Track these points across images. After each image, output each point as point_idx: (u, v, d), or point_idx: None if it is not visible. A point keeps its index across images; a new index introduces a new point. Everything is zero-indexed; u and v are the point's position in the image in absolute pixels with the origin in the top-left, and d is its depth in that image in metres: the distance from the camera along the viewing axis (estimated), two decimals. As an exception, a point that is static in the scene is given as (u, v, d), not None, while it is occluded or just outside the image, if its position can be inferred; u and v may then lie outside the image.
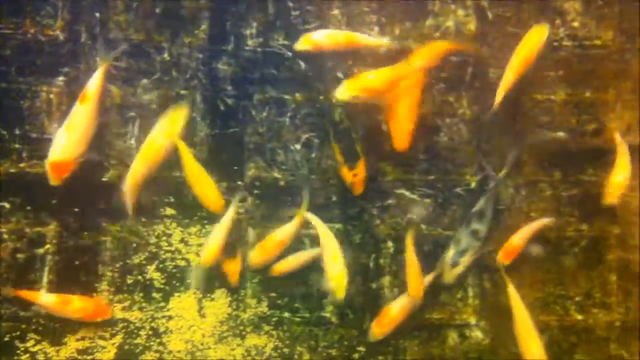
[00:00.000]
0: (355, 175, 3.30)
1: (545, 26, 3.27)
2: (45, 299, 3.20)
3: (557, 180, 3.44)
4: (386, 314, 3.27)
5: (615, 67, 3.44)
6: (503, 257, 3.28)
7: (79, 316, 3.26)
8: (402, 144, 3.27)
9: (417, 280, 3.23)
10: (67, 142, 3.11)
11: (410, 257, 3.24)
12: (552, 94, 3.49)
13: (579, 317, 3.38)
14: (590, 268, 3.39)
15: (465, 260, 3.31)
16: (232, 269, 3.34)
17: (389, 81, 3.20)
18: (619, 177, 3.21)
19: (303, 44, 3.30)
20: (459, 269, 3.32)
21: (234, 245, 3.39)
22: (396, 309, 3.27)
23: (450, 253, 3.33)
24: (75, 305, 3.23)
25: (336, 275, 3.17)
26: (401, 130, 3.26)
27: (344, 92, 3.17)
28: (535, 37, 3.26)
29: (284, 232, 3.30)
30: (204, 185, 3.29)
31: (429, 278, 3.31)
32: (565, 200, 3.41)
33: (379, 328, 3.26)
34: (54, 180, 3.13)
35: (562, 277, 3.38)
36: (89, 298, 3.30)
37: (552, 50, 3.49)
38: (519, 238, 3.29)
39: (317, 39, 3.31)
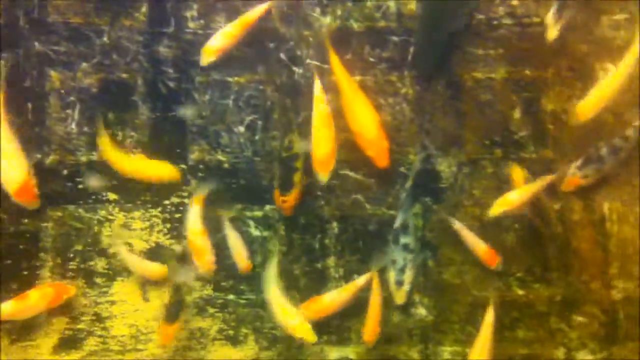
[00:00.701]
0: (284, 202, 3.33)
1: None
2: (5, 309, 3.14)
3: (498, 158, 3.47)
4: (316, 301, 3.29)
5: (554, 45, 3.47)
6: None
7: (44, 307, 3.21)
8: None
9: (374, 327, 3.31)
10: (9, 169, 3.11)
11: (374, 302, 3.30)
12: (493, 73, 3.52)
13: (520, 292, 3.41)
14: (531, 244, 3.42)
15: (408, 276, 3.35)
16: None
17: None
18: (512, 194, 3.24)
19: (207, 57, 3.36)
20: (406, 287, 3.36)
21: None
22: (327, 300, 3.30)
23: (392, 275, 3.36)
24: (33, 299, 3.18)
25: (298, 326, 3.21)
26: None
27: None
28: None
29: None
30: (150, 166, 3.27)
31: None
32: (506, 177, 3.43)
33: (307, 312, 3.28)
34: (32, 204, 3.20)
35: (504, 253, 3.40)
36: (44, 285, 3.26)
37: (492, 29, 3.51)
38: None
39: (216, 44, 3.33)
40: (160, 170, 3.37)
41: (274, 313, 3.27)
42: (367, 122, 3.31)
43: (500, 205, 3.22)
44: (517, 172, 3.37)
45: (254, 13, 3.41)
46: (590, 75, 3.49)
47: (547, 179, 3.23)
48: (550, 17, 3.35)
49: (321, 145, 3.27)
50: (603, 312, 3.40)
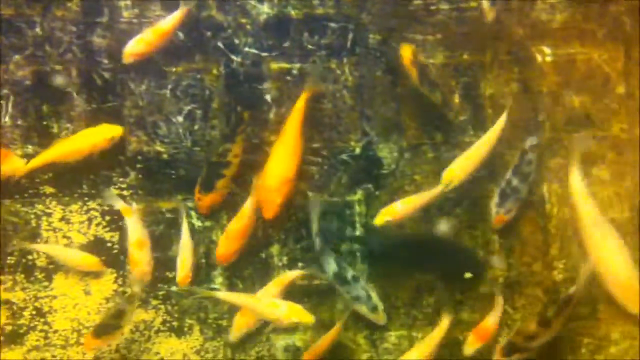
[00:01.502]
0: (199, 200, 3.34)
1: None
2: None
3: (439, 143, 3.49)
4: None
5: (491, 29, 3.50)
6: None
7: None
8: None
9: None
10: None
11: None
12: (431, 58, 3.53)
13: (466, 275, 3.44)
14: (473, 227, 3.45)
15: (375, 297, 3.39)
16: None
17: None
18: (398, 205, 3.26)
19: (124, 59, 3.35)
20: (380, 306, 3.39)
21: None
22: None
23: (363, 308, 3.37)
24: None
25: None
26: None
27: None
28: None
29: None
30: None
31: None
32: (447, 162, 3.45)
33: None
34: None
35: (446, 238, 3.43)
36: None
37: (430, 15, 3.53)
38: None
39: (131, 50, 3.35)
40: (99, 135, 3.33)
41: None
42: (276, 171, 3.32)
43: (385, 215, 3.23)
44: (406, 50, 3.35)
45: (170, 22, 3.39)
46: (527, 58, 3.50)
47: (436, 191, 3.24)
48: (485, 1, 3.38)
49: (227, 245, 3.35)
50: (545, 293, 3.43)
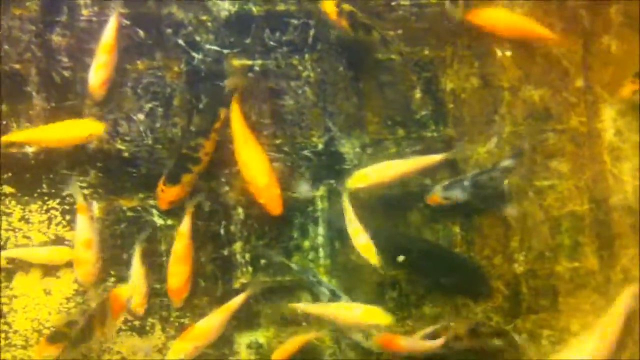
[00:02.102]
0: (162, 191, 3.32)
1: None
2: None
3: (400, 137, 3.51)
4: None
5: (451, 24, 3.53)
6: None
7: None
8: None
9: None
10: None
11: None
12: (393, 54, 3.54)
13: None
14: (435, 221, 3.47)
15: None
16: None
17: None
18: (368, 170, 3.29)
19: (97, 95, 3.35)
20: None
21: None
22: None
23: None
24: None
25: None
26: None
27: None
28: None
29: None
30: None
31: None
32: (409, 156, 3.47)
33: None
34: None
35: (409, 231, 3.45)
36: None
37: (391, 10, 3.55)
38: None
39: (96, 81, 3.34)
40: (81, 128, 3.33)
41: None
42: (257, 171, 3.31)
43: (357, 181, 3.27)
44: (328, 6, 3.35)
45: (111, 33, 3.38)
46: (487, 53, 3.53)
47: (422, 160, 3.29)
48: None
49: (175, 279, 3.33)
50: (506, 286, 3.46)
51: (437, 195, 3.35)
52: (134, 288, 3.32)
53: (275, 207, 3.31)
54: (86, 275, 3.29)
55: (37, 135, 3.31)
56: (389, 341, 3.13)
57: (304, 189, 3.42)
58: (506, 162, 3.34)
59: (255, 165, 3.31)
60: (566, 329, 3.42)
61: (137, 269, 3.34)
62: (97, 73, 3.33)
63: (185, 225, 3.31)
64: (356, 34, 3.32)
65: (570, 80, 3.51)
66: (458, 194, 3.33)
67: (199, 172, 3.36)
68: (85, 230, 3.28)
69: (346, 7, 3.33)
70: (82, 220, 3.29)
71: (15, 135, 3.31)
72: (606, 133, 3.51)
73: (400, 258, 3.38)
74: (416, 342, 3.17)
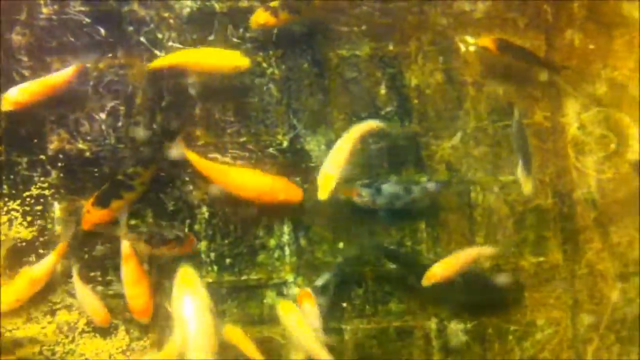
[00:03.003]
0: (87, 212, 3.28)
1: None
2: None
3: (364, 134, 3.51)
4: None
5: (415, 20, 3.54)
6: None
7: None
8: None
9: None
10: None
11: None
12: (357, 49, 3.56)
13: (393, 266, 3.47)
14: (401, 218, 3.48)
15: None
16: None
17: None
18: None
19: (5, 105, 3.26)
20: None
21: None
22: None
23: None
24: None
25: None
26: None
27: None
28: None
29: None
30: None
31: None
32: (375, 152, 3.48)
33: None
34: None
35: (375, 228, 3.45)
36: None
37: (354, 6, 3.55)
38: None
39: (13, 97, 3.26)
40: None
41: None
42: (254, 184, 3.33)
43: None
44: (260, 16, 3.35)
45: (61, 77, 3.33)
46: (451, 49, 3.55)
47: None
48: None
49: (135, 301, 3.29)
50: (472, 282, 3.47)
51: (354, 189, 3.33)
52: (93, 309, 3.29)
53: (295, 195, 3.33)
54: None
55: (185, 59, 3.32)
56: None
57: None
58: (430, 185, 3.35)
59: (251, 178, 3.33)
60: (532, 323, 3.44)
61: (78, 287, 3.31)
62: (19, 93, 3.28)
63: (125, 248, 3.27)
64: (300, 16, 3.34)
65: (534, 75, 3.53)
66: (371, 196, 3.32)
67: (129, 201, 3.33)
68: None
69: (274, 4, 3.35)
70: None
71: (164, 60, 3.34)
72: (570, 127, 3.54)
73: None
74: None
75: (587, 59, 3.54)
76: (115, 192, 3.26)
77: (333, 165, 3.10)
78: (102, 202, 3.25)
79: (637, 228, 3.47)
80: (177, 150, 3.32)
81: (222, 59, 3.33)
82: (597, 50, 3.54)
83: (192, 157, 3.32)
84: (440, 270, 3.13)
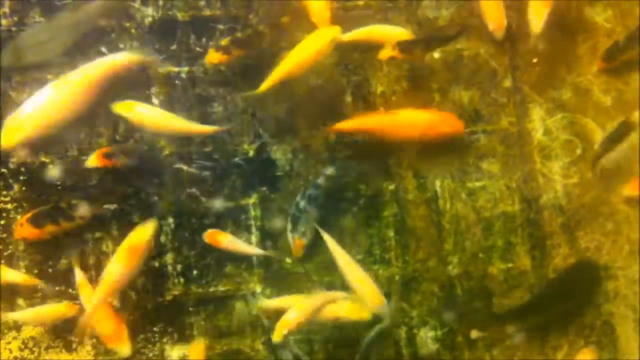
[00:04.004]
0: (21, 225, 3.26)
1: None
2: None
3: (332, 142, 3.52)
4: None
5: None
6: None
7: None
8: None
9: None
10: None
11: None
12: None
13: (361, 274, 3.46)
14: (369, 226, 3.49)
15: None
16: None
17: None
18: None
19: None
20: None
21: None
22: None
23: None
24: None
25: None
26: None
27: None
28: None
29: None
30: None
31: None
32: (341, 161, 3.48)
33: None
34: None
35: (343, 237, 3.45)
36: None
37: (319, 14, 3.54)
38: None
39: None
40: None
41: None
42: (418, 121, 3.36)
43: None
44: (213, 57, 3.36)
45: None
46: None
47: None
48: None
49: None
50: (441, 289, 3.48)
51: (298, 240, 3.42)
52: None
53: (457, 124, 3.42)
54: None
55: (286, 68, 3.28)
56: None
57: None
58: (327, 170, 3.41)
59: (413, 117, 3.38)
60: (500, 330, 3.45)
61: None
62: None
63: (78, 276, 3.28)
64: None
65: (499, 81, 3.55)
66: (306, 221, 3.40)
67: (65, 229, 3.31)
68: None
69: (224, 42, 3.38)
70: None
71: (271, 80, 3.29)
72: (536, 133, 3.56)
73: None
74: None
75: (552, 64, 3.56)
76: (54, 217, 3.24)
77: (296, 313, 3.08)
78: (37, 222, 3.23)
79: (604, 233, 3.49)
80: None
81: (316, 42, 3.30)
82: (561, 55, 3.56)
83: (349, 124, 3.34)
84: (294, 317, 3.07)
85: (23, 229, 3.26)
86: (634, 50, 3.42)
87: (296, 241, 3.41)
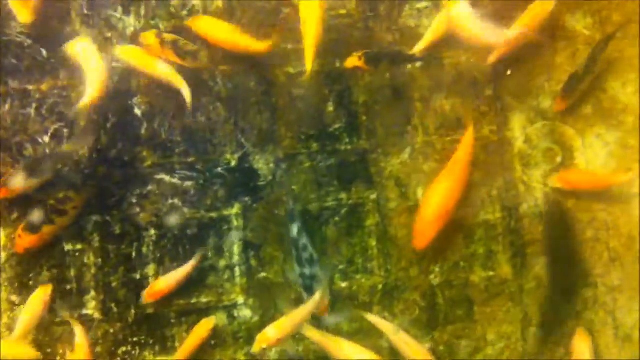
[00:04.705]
0: (20, 237, 3.29)
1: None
2: None
3: (314, 152, 3.54)
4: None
5: (360, 35, 3.58)
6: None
7: None
8: None
9: None
10: None
11: None
12: (304, 67, 3.56)
13: (343, 284, 3.49)
14: (351, 235, 3.51)
15: None
16: None
17: None
18: None
19: None
20: None
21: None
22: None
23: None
24: None
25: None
26: None
27: None
28: None
29: None
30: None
31: None
32: (323, 170, 3.51)
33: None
34: None
35: (325, 247, 3.48)
36: None
37: (300, 24, 3.55)
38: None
39: None
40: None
41: None
42: (434, 202, 3.36)
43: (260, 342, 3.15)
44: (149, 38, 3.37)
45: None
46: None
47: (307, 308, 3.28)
48: None
49: None
50: (423, 298, 3.51)
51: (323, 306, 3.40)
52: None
53: (421, 241, 3.37)
54: None
55: None
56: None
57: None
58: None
59: (438, 195, 3.35)
60: (482, 338, 3.49)
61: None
62: None
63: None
64: (184, 61, 3.34)
65: (480, 89, 3.58)
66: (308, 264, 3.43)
67: (62, 225, 3.33)
68: None
69: (168, 37, 3.35)
70: None
71: None
72: (516, 141, 3.60)
73: None
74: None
75: (532, 72, 3.59)
76: (47, 217, 3.25)
77: (276, 329, 3.10)
78: (34, 228, 3.25)
79: (583, 240, 3.53)
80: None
81: None
82: (541, 63, 3.60)
83: None
84: (273, 333, 3.09)
85: (22, 240, 3.28)
86: (589, 79, 3.47)
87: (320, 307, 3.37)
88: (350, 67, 3.39)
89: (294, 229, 3.40)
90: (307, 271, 3.36)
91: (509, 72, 3.57)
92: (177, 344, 3.45)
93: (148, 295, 3.32)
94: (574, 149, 3.58)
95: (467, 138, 3.38)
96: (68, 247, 3.43)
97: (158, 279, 3.36)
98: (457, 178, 3.34)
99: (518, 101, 3.62)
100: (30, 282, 3.39)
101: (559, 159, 3.58)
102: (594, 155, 3.58)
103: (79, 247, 3.44)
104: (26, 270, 3.39)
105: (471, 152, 3.37)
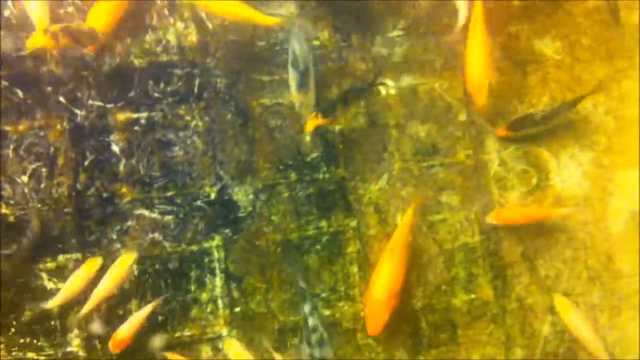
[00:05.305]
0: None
1: None
2: None
3: (293, 182, 3.58)
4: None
5: (335, 66, 3.64)
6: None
7: None
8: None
9: None
10: None
11: None
12: (280, 97, 3.63)
13: (327, 312, 3.52)
14: (333, 263, 3.55)
15: None
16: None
17: None
18: None
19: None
20: None
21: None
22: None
23: None
24: None
25: None
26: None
27: None
28: None
29: None
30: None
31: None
32: (302, 199, 3.55)
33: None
34: None
35: (307, 275, 3.51)
36: None
37: (275, 55, 3.63)
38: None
39: None
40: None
41: None
42: (382, 283, 3.34)
43: None
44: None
45: None
46: (372, 92, 3.66)
47: None
48: None
49: None
50: (406, 322, 3.55)
51: None
52: None
53: (375, 327, 3.33)
54: None
55: None
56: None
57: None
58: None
59: (386, 277, 3.34)
60: (468, 343, 3.53)
61: None
62: None
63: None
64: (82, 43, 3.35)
65: (454, 115, 3.65)
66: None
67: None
68: None
69: (55, 27, 3.28)
70: None
71: None
72: (492, 164, 3.66)
73: None
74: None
75: (504, 96, 3.67)
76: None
77: None
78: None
79: (562, 260, 3.59)
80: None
81: None
82: (512, 87, 3.68)
83: None
84: None
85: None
86: (541, 129, 3.57)
87: None
88: (312, 130, 3.49)
89: (306, 309, 3.38)
90: (316, 353, 3.33)
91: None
92: (163, 367, 3.44)
93: (113, 346, 3.31)
94: (548, 170, 3.65)
95: (406, 219, 3.43)
96: (50, 285, 3.43)
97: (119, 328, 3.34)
98: (399, 259, 3.36)
99: (492, 125, 3.68)
100: (14, 322, 3.39)
101: (534, 181, 3.65)
102: (569, 176, 3.66)
103: (60, 285, 3.44)
104: (7, 311, 3.38)
105: (409, 233, 3.42)
